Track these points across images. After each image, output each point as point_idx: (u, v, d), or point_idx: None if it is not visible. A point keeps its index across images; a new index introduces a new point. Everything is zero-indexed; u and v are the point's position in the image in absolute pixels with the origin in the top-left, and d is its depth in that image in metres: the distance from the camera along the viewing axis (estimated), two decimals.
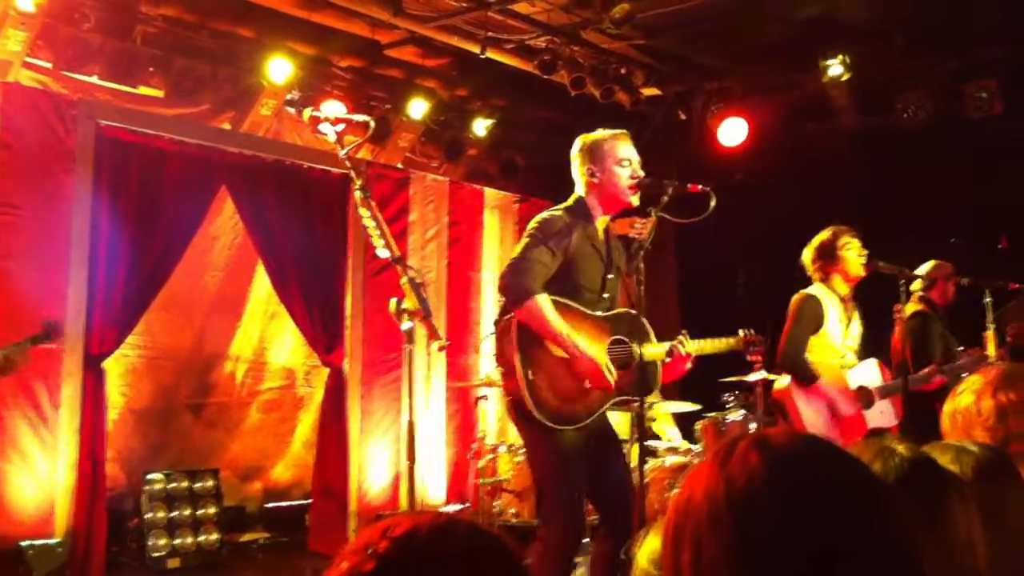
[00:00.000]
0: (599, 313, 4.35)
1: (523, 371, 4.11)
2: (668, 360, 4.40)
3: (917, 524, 1.77)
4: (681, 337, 4.43)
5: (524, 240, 4.23)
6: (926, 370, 5.77)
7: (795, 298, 5.64)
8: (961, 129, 7.59)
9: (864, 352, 5.81)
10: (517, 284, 4.11)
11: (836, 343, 5.66)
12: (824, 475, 1.31)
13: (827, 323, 5.62)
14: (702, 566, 1.29)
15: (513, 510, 7.10)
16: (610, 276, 4.37)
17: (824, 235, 5.72)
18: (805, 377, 5.56)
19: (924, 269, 6.50)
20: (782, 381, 5.66)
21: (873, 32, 6.90)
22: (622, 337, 4.35)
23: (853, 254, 5.63)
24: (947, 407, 2.64)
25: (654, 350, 4.37)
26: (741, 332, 4.83)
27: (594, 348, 4.19)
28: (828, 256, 5.68)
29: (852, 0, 6.52)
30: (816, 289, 5.67)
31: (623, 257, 4.50)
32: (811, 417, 5.53)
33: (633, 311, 4.32)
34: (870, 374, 5.72)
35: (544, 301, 4.10)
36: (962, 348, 6.09)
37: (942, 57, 7.23)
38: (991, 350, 6.27)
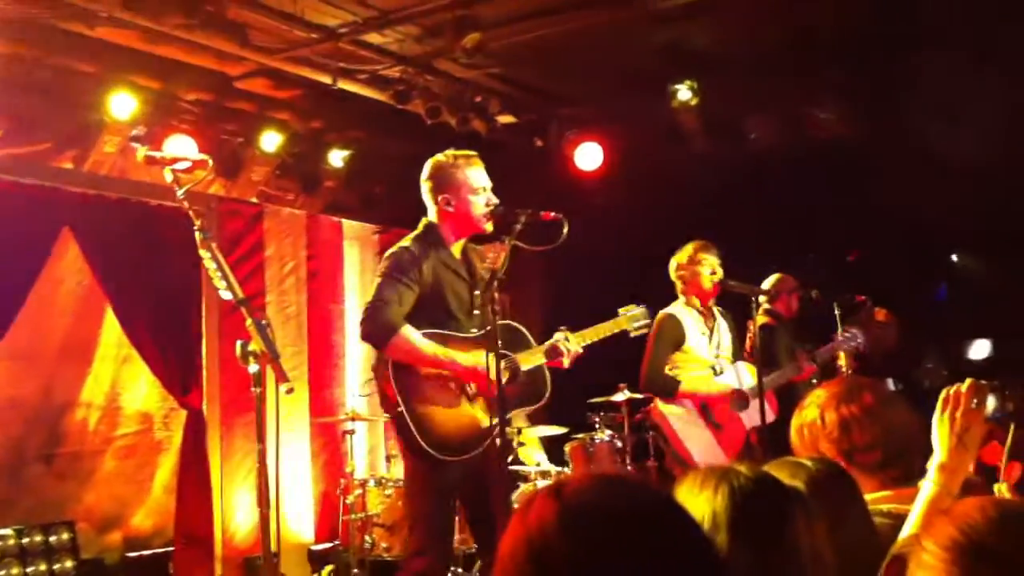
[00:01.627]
0: (472, 333, 4.37)
1: (406, 406, 4.16)
2: (552, 359, 4.45)
3: (763, 542, 1.80)
4: (559, 335, 4.45)
5: (376, 281, 4.27)
6: (796, 362, 5.96)
7: (656, 319, 5.74)
8: (807, 150, 7.86)
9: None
10: (377, 327, 4.17)
11: (703, 356, 5.79)
12: (615, 517, 1.32)
13: (688, 338, 5.74)
14: None
15: (385, 545, 7.00)
16: (476, 292, 4.37)
17: (686, 250, 5.87)
18: (666, 391, 5.66)
19: (768, 283, 6.72)
20: (658, 402, 5.77)
21: (720, 58, 7.08)
22: (502, 352, 4.34)
23: (706, 271, 5.79)
24: (794, 421, 2.70)
25: (532, 357, 4.41)
26: (621, 311, 4.80)
27: (471, 356, 4.22)
28: (687, 270, 5.82)
29: (701, 27, 6.68)
30: (674, 307, 5.80)
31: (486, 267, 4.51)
32: (687, 432, 5.63)
33: (509, 322, 4.38)
34: (743, 376, 5.87)
35: (408, 332, 4.15)
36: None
37: (787, 81, 7.47)
38: (842, 360, 6.51)
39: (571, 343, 4.42)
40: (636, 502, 1.34)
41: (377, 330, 4.17)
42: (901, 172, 7.26)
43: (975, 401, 2.26)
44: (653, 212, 8.15)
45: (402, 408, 4.15)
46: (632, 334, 4.81)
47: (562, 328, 4.47)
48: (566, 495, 1.33)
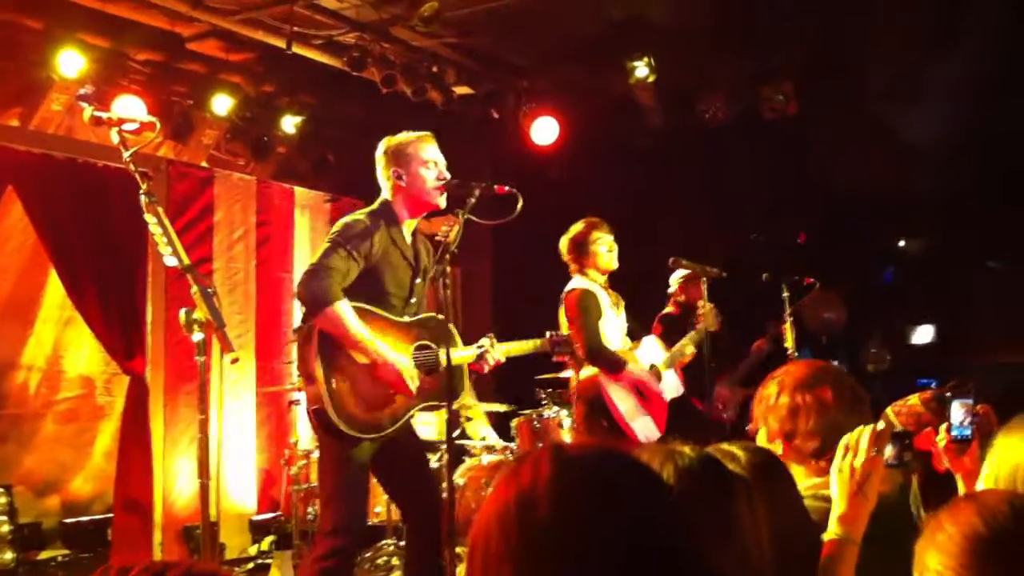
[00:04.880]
0: (405, 319, 4.32)
1: (325, 379, 4.04)
2: (474, 362, 4.45)
3: (708, 526, 1.80)
4: (485, 341, 4.44)
5: (323, 246, 4.17)
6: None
7: (570, 295, 5.70)
8: (759, 129, 7.88)
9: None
10: (314, 292, 4.04)
11: (614, 331, 5.80)
12: (609, 487, 1.30)
13: (603, 312, 5.74)
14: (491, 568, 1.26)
15: None
16: (418, 281, 4.35)
17: (577, 227, 5.84)
18: (614, 365, 5.64)
19: (677, 276, 6.86)
20: (587, 371, 5.73)
21: (676, 35, 7.07)
22: (427, 342, 4.32)
23: (604, 250, 5.77)
24: (759, 390, 2.73)
25: (460, 355, 4.35)
26: (548, 333, 4.92)
27: (397, 354, 4.16)
28: (581, 250, 5.79)
29: (658, 3, 6.66)
30: (582, 282, 5.76)
31: (432, 259, 4.46)
32: (624, 405, 5.63)
33: (440, 316, 4.13)
34: (653, 351, 5.92)
35: (343, 307, 4.04)
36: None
37: (740, 60, 7.48)
38: (789, 342, 6.55)
39: (493, 351, 4.43)
40: (630, 476, 1.34)
41: (313, 296, 4.03)
42: (851, 154, 7.30)
43: (875, 449, 2.20)
44: (607, 188, 8.13)
45: (321, 381, 4.02)
46: (555, 358, 5.10)
47: (489, 335, 4.45)
48: (564, 457, 1.31)
